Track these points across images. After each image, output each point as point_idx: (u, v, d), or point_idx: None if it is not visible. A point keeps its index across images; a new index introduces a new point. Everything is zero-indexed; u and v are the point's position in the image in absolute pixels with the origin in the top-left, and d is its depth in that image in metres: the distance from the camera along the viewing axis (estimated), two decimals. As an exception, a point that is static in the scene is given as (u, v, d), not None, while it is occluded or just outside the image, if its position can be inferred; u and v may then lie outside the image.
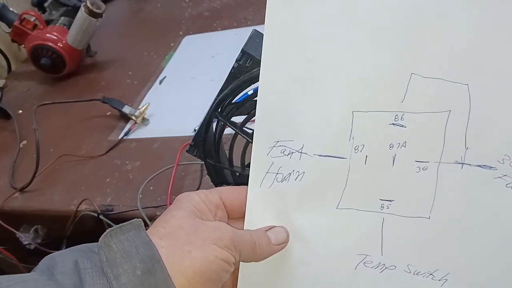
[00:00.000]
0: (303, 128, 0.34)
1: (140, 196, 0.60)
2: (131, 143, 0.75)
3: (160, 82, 0.88)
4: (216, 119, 0.40)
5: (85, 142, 0.78)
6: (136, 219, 0.31)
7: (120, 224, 0.30)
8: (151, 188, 0.63)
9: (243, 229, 0.35)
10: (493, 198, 0.31)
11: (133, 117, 0.77)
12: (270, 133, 0.35)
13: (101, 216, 0.62)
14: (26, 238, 0.69)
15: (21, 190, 0.72)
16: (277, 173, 0.35)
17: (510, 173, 0.30)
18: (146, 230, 0.30)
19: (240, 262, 0.34)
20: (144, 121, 0.78)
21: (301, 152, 0.34)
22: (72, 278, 0.27)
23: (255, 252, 0.33)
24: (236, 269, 0.35)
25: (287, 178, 0.34)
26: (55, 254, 0.29)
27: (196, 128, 0.43)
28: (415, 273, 0.34)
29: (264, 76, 0.34)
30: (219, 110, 0.39)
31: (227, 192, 0.35)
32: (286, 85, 0.34)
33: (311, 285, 0.36)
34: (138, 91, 0.87)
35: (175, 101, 0.81)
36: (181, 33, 1.02)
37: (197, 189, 0.48)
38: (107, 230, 0.29)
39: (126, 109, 0.78)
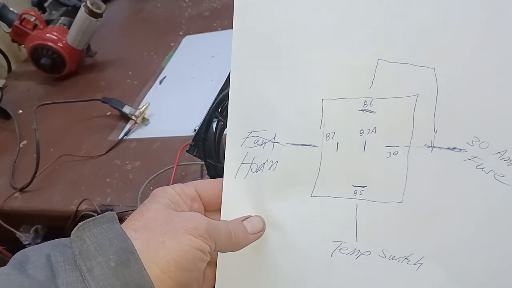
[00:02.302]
0: (275, 118, 0.34)
1: (140, 196, 0.60)
2: (131, 143, 0.75)
3: (160, 82, 0.88)
4: (216, 119, 0.40)
5: (85, 142, 0.78)
6: (109, 212, 0.30)
7: (93, 217, 0.30)
8: (151, 188, 0.63)
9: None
10: (464, 180, 0.31)
11: (133, 117, 0.77)
12: (243, 124, 0.35)
13: (101, 216, 0.62)
14: (26, 238, 0.69)
15: (21, 190, 0.72)
16: (252, 164, 0.35)
17: (480, 155, 0.30)
18: (121, 224, 0.30)
19: (218, 252, 0.34)
20: (144, 121, 0.77)
21: (273, 142, 0.34)
22: (44, 271, 0.27)
23: (231, 241, 0.33)
24: (216, 261, 0.35)
25: (261, 168, 0.35)
26: (27, 249, 0.29)
27: (196, 128, 0.43)
28: (390, 258, 0.34)
29: (235, 67, 0.34)
30: (219, 110, 0.39)
31: (203, 185, 0.35)
32: (256, 76, 0.34)
33: (289, 273, 0.36)
34: (138, 91, 0.87)
35: (175, 101, 0.81)
36: (181, 33, 1.02)
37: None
38: (79, 224, 0.29)
39: (126, 109, 0.78)
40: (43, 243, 0.29)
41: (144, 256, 0.28)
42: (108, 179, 0.69)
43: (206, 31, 0.98)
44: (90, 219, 0.29)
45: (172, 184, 0.58)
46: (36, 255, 0.28)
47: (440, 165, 0.31)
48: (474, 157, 0.31)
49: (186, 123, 0.72)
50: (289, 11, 0.32)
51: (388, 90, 0.31)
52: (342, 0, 0.31)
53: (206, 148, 0.41)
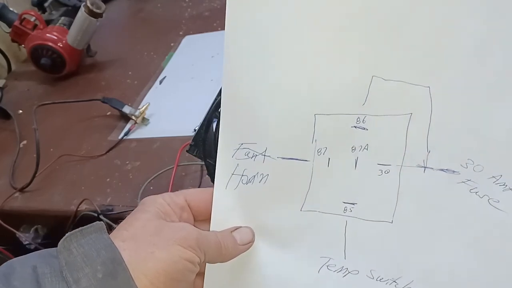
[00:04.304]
0: (266, 131, 0.33)
1: (140, 196, 0.60)
2: (131, 143, 0.75)
3: (160, 82, 0.88)
4: (216, 119, 0.40)
5: (85, 142, 0.78)
6: (97, 222, 0.30)
7: (81, 228, 0.29)
8: (151, 188, 0.63)
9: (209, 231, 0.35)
10: (457, 203, 0.30)
11: (133, 117, 0.77)
12: (234, 135, 0.35)
13: (101, 216, 0.62)
14: (26, 238, 0.69)
15: (21, 190, 0.72)
16: (242, 175, 0.35)
17: (474, 178, 0.29)
18: (110, 234, 0.30)
19: (206, 263, 0.34)
20: (144, 121, 0.78)
21: (264, 155, 0.34)
22: (30, 283, 0.26)
23: (220, 252, 0.32)
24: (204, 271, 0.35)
25: (252, 180, 0.34)
26: (14, 260, 0.28)
27: (196, 128, 0.43)
28: (378, 279, 0.32)
29: (227, 78, 0.34)
30: (219, 110, 0.39)
31: (193, 194, 0.35)
32: (248, 88, 0.33)
33: (275, 286, 0.35)
34: (138, 91, 0.87)
35: (175, 101, 0.81)
36: (181, 33, 1.02)
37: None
38: (66, 234, 0.29)
39: (126, 109, 0.78)
40: (30, 253, 0.29)
41: (133, 267, 0.27)
42: (108, 179, 0.69)
43: (206, 31, 0.98)
44: (78, 229, 0.29)
45: (172, 184, 0.58)
46: (22, 266, 0.27)
47: (432, 186, 0.30)
48: (468, 180, 0.29)
49: (186, 123, 0.72)
50: (283, 24, 0.32)
51: (382, 108, 0.31)
52: (337, 15, 0.31)
53: (206, 148, 0.41)
